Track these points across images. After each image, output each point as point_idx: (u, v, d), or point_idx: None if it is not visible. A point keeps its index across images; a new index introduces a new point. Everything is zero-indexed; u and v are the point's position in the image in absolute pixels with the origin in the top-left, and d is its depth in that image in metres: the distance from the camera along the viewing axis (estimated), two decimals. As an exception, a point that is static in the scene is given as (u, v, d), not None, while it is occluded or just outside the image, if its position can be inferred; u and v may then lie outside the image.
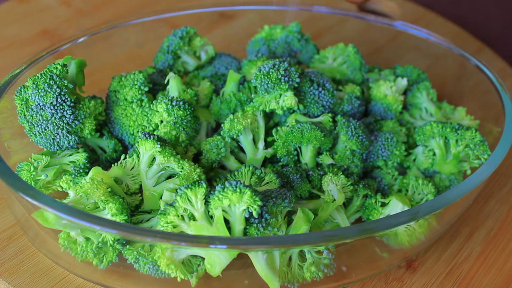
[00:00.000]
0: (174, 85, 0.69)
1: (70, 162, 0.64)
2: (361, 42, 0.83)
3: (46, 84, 0.60)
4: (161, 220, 0.53)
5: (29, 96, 0.61)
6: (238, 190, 0.51)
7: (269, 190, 0.56)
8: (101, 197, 0.55)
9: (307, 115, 0.68)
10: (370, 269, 0.59)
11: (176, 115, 0.65)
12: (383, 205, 0.61)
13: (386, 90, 0.72)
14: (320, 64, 0.78)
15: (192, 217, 0.53)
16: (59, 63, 0.63)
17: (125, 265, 0.56)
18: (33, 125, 0.62)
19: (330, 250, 0.55)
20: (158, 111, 0.66)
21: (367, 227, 0.51)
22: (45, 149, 0.64)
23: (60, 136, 0.62)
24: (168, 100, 0.65)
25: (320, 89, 0.67)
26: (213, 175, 0.66)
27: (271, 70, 0.65)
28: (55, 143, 0.63)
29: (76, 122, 0.62)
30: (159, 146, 0.59)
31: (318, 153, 0.67)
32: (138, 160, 0.61)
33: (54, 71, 0.62)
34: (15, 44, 0.92)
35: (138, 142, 0.60)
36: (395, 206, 0.60)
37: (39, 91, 0.60)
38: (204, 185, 0.53)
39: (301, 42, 0.80)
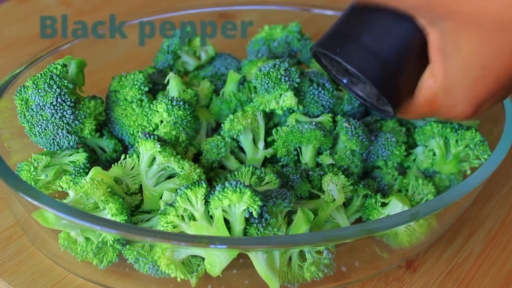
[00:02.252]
0: (174, 85, 0.69)
1: (70, 162, 0.64)
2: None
3: (46, 84, 0.60)
4: (161, 220, 0.53)
5: (29, 96, 0.61)
6: (238, 190, 0.51)
7: (269, 190, 0.56)
8: (101, 197, 0.55)
9: (307, 115, 0.68)
10: (370, 269, 0.59)
11: (176, 115, 0.65)
12: (383, 205, 0.61)
13: (386, 90, 0.72)
14: (320, 64, 0.78)
15: (192, 217, 0.53)
16: (59, 63, 0.63)
17: (125, 265, 0.56)
18: (33, 125, 0.62)
19: (330, 250, 0.55)
20: (158, 111, 0.66)
21: (367, 227, 0.51)
22: (45, 149, 0.64)
23: (60, 136, 0.62)
24: (168, 100, 0.65)
25: (320, 89, 0.67)
26: (213, 175, 0.66)
27: (271, 70, 0.65)
28: (55, 143, 0.63)
29: (76, 122, 0.62)
30: (159, 146, 0.59)
31: (318, 153, 0.67)
32: (138, 160, 0.61)
33: (54, 71, 0.62)
34: (15, 44, 0.92)
35: (138, 142, 0.60)
36: (395, 206, 0.60)
37: (39, 91, 0.60)
38: (204, 185, 0.53)
39: (301, 42, 0.80)
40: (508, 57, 0.39)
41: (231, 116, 0.66)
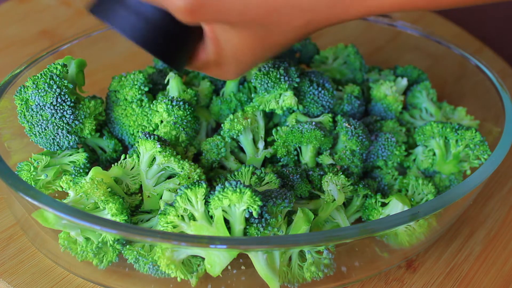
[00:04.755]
0: (174, 85, 0.69)
1: (70, 162, 0.64)
2: (361, 42, 0.83)
3: (46, 84, 0.60)
4: (161, 220, 0.53)
5: (29, 96, 0.61)
6: (238, 190, 0.51)
7: (269, 190, 0.56)
8: (101, 197, 0.55)
9: (307, 115, 0.68)
10: (370, 269, 0.59)
11: (176, 115, 0.65)
12: (383, 205, 0.61)
13: (386, 90, 0.72)
14: (320, 64, 0.78)
15: (192, 217, 0.53)
16: (59, 63, 0.63)
17: (125, 265, 0.56)
18: (33, 125, 0.62)
19: (330, 250, 0.55)
20: (158, 111, 0.66)
21: (367, 227, 0.51)
22: (45, 149, 0.64)
23: (60, 136, 0.62)
24: (168, 100, 0.65)
25: (319, 89, 0.67)
26: (213, 175, 0.66)
27: (271, 69, 0.65)
28: (55, 143, 0.63)
29: (76, 122, 0.62)
30: (159, 146, 0.59)
31: (318, 153, 0.67)
32: (138, 160, 0.61)
33: (54, 71, 0.62)
34: (15, 44, 0.92)
35: (138, 142, 0.60)
36: (395, 206, 0.60)
37: (39, 91, 0.60)
38: (204, 185, 0.53)
39: (301, 42, 0.80)
40: (270, 45, 0.50)
41: (231, 116, 0.66)
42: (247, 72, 0.55)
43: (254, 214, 0.51)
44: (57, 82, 0.61)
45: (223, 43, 0.50)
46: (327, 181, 0.61)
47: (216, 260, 0.52)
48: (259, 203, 0.50)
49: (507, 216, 0.69)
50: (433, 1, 0.45)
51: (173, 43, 0.50)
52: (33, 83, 0.61)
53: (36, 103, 0.61)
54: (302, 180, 0.62)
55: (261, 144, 0.67)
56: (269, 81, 0.64)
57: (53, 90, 0.60)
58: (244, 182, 0.59)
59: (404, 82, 0.75)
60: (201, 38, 0.51)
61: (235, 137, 0.65)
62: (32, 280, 0.58)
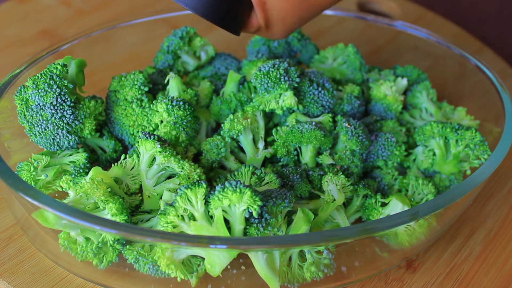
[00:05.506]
0: (174, 85, 0.69)
1: (70, 162, 0.64)
2: (361, 42, 0.83)
3: (46, 84, 0.60)
4: (161, 220, 0.53)
5: (29, 96, 0.61)
6: (238, 190, 0.51)
7: (269, 190, 0.56)
8: (101, 197, 0.55)
9: (307, 115, 0.68)
10: (370, 269, 0.59)
11: (176, 115, 0.65)
12: (383, 205, 0.61)
13: (386, 90, 0.72)
14: (320, 64, 0.78)
15: (192, 217, 0.53)
16: (59, 63, 0.63)
17: (125, 265, 0.56)
18: (33, 125, 0.62)
19: (330, 250, 0.55)
20: (158, 111, 0.66)
21: (367, 227, 0.51)
22: (45, 149, 0.64)
23: (60, 136, 0.62)
24: (168, 100, 0.65)
25: (319, 89, 0.67)
26: (213, 175, 0.66)
27: (271, 69, 0.65)
28: (55, 143, 0.63)
29: (76, 122, 0.62)
30: (159, 146, 0.59)
31: (318, 153, 0.67)
32: (138, 160, 0.61)
33: (54, 71, 0.62)
34: (15, 44, 0.92)
35: (138, 142, 0.60)
36: (395, 206, 0.60)
37: (39, 91, 0.60)
38: (204, 185, 0.53)
39: (301, 42, 0.80)
40: (312, 6, 0.56)
41: (231, 116, 0.66)
42: (295, 31, 0.61)
43: (254, 214, 0.51)
44: (57, 82, 0.61)
45: (269, 9, 0.55)
46: (327, 181, 0.61)
47: (216, 260, 0.52)
48: (259, 203, 0.51)
49: (507, 216, 0.69)
50: None
51: (229, 11, 0.56)
52: (33, 83, 0.61)
53: (36, 103, 0.61)
54: (302, 180, 0.62)
55: (261, 144, 0.67)
56: (269, 81, 0.64)
57: (53, 90, 0.60)
58: (244, 182, 0.59)
59: (404, 82, 0.75)
60: (252, 7, 0.57)
61: (235, 137, 0.65)
62: (32, 280, 0.58)
